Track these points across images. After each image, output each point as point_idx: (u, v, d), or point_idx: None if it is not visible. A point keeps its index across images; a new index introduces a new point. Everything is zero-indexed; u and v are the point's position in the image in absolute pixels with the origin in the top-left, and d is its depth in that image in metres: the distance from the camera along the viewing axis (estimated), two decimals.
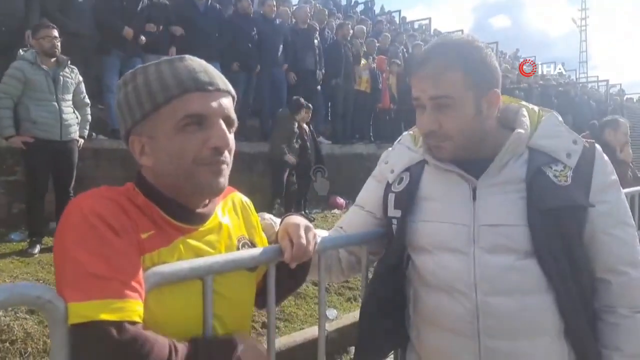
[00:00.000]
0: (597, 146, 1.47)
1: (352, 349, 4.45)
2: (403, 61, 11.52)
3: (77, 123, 5.32)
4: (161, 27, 7.29)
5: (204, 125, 1.15)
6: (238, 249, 1.30)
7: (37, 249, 5.01)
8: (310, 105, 7.90)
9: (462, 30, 21.47)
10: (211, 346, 1.13)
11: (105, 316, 0.96)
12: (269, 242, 1.43)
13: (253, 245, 1.36)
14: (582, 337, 1.39)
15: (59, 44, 5.16)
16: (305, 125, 7.80)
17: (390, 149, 1.68)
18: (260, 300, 1.40)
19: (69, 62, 5.27)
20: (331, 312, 4.88)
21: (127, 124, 1.20)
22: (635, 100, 27.14)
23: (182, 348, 1.06)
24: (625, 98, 24.24)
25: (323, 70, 9.42)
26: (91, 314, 0.96)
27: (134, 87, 1.18)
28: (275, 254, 1.30)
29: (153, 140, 1.17)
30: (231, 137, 1.19)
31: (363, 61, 10.26)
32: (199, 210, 1.23)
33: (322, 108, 9.60)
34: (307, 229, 1.31)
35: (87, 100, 5.51)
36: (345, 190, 9.16)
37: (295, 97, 7.85)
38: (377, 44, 11.58)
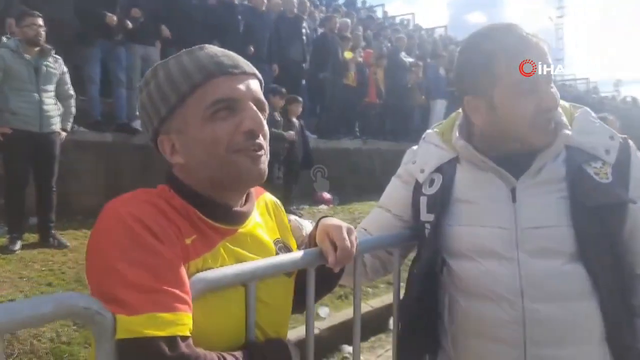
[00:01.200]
0: (630, 141, 1.43)
1: (344, 347, 4.48)
2: (388, 56, 11.47)
3: (59, 115, 5.17)
4: (144, 16, 7.08)
5: (234, 110, 1.09)
6: (276, 252, 1.23)
7: (18, 245, 4.87)
8: (299, 98, 7.80)
9: (445, 27, 21.66)
10: (265, 350, 1.07)
11: (155, 332, 0.88)
12: (297, 245, 1.37)
13: (288, 248, 1.30)
14: (623, 340, 1.35)
15: (43, 32, 5.01)
16: (295, 120, 7.70)
17: (414, 147, 1.61)
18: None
19: (54, 52, 5.11)
20: (323, 310, 4.83)
21: (154, 123, 1.13)
22: (609, 97, 27.67)
23: (231, 358, 0.99)
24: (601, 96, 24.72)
25: (307, 62, 9.32)
26: (140, 329, 0.88)
27: (156, 83, 1.12)
28: (315, 257, 1.24)
29: (183, 135, 1.10)
30: (265, 122, 1.13)
31: (350, 55, 10.20)
32: (238, 209, 1.16)
33: (308, 101, 9.51)
34: (349, 232, 1.25)
35: (72, 91, 5.35)
36: (331, 185, 9.13)
37: (272, 85, 7.60)
38: (362, 38, 11.54)
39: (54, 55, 5.13)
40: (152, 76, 1.14)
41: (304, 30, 9.15)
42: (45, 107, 4.98)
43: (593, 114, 1.46)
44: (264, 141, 1.12)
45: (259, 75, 1.18)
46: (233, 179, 1.11)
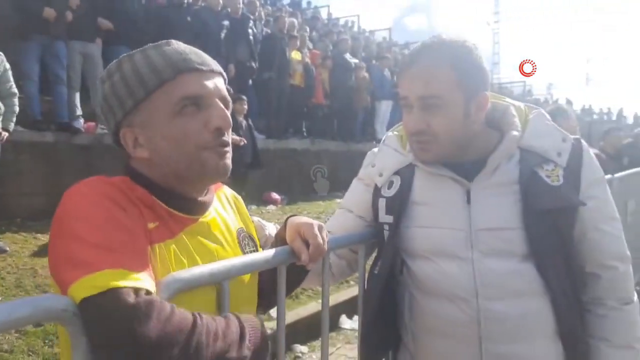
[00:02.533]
0: (583, 142, 1.47)
1: (296, 347, 4.50)
2: (333, 57, 11.55)
3: (0, 114, 4.92)
4: (83, 10, 6.78)
5: (201, 107, 1.10)
6: (239, 242, 1.25)
7: None
8: (243, 96, 7.74)
9: (389, 29, 21.98)
10: (246, 320, 1.06)
11: (118, 282, 0.87)
12: (261, 245, 1.38)
13: (252, 238, 1.31)
14: (574, 334, 1.41)
15: None
16: (242, 119, 7.63)
17: (374, 149, 1.63)
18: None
19: None
20: (273, 310, 4.82)
21: (116, 116, 1.13)
22: (542, 101, 28.80)
23: (208, 317, 0.97)
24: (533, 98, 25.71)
25: (256, 63, 9.26)
26: (104, 283, 0.86)
27: (121, 76, 1.11)
28: (287, 255, 1.24)
29: (148, 130, 1.10)
30: (230, 118, 1.14)
31: (298, 55, 10.20)
32: (198, 198, 1.17)
33: (255, 102, 9.44)
34: (320, 228, 1.26)
35: (15, 90, 5.15)
36: (280, 185, 9.12)
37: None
38: (308, 39, 11.56)
39: None
40: (117, 69, 1.13)
41: (250, 31, 9.07)
42: None
43: (547, 116, 1.49)
44: (229, 137, 1.14)
45: (224, 74, 1.20)
46: (199, 174, 1.12)
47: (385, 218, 1.50)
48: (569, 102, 25.02)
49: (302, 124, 10.97)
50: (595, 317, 1.45)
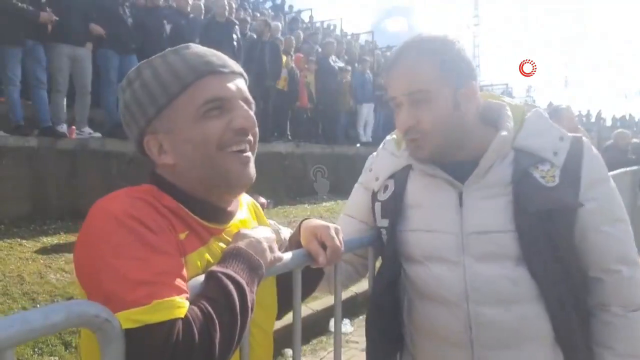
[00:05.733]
0: (585, 139, 1.43)
1: (287, 352, 4.47)
2: (318, 61, 11.57)
3: None
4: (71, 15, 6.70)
5: (225, 109, 1.10)
6: None
7: None
8: None
9: (371, 32, 22.05)
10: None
11: (154, 318, 0.87)
12: None
13: None
14: (573, 341, 1.36)
15: None
16: None
17: (374, 154, 1.63)
18: None
19: None
20: None
21: (139, 124, 1.11)
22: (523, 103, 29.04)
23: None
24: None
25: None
26: (141, 318, 0.87)
27: (142, 83, 1.10)
28: (303, 258, 1.24)
29: (172, 135, 1.09)
30: (255, 120, 1.14)
31: (283, 59, 10.19)
32: (225, 208, 1.17)
33: None
34: (337, 231, 1.26)
35: None
36: (266, 189, 9.08)
37: None
38: (293, 42, 11.56)
39: None
40: (137, 76, 1.12)
41: (235, 36, 9.04)
42: None
43: (545, 114, 1.46)
44: (253, 141, 1.13)
45: (245, 74, 1.19)
46: (223, 180, 1.11)
47: (381, 222, 1.50)
48: (551, 104, 25.34)
49: (287, 127, 10.97)
50: (600, 323, 1.40)
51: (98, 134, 6.99)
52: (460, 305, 1.35)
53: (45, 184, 6.14)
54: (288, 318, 4.25)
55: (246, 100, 1.13)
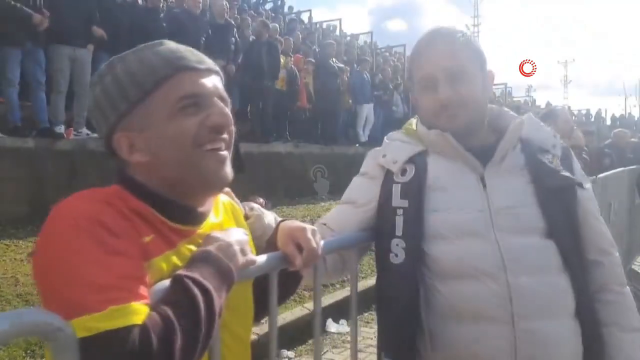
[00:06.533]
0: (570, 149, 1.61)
1: (283, 352, 4.45)
2: (318, 61, 11.56)
3: None
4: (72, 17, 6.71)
5: (201, 106, 1.07)
6: None
7: None
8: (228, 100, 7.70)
9: (370, 33, 22.04)
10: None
11: (109, 325, 0.84)
12: (256, 236, 1.34)
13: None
14: (591, 315, 1.45)
15: None
16: None
17: (377, 148, 1.63)
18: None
19: None
20: None
21: (109, 121, 1.08)
22: (522, 102, 29.07)
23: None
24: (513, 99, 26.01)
25: (234, 67, 9.22)
26: (95, 325, 0.84)
27: (114, 77, 1.07)
28: (279, 261, 1.21)
29: (145, 133, 1.06)
30: (231, 117, 1.11)
31: (282, 59, 10.19)
32: (195, 209, 1.13)
33: (239, 106, 9.40)
34: (313, 233, 1.23)
35: None
36: (264, 189, 9.06)
37: None
38: (292, 43, 11.57)
39: None
40: (108, 71, 1.09)
41: (233, 39, 9.03)
42: None
43: (535, 118, 1.62)
44: (228, 139, 1.11)
45: (221, 73, 1.17)
46: (199, 179, 1.08)
47: (399, 202, 1.47)
48: (549, 104, 25.35)
49: (286, 127, 10.95)
50: (604, 304, 1.49)
51: (96, 135, 6.99)
52: (498, 277, 1.36)
53: (43, 185, 6.13)
54: (283, 318, 4.22)
55: (222, 98, 1.11)
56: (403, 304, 1.44)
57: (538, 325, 1.36)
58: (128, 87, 1.05)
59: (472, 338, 1.38)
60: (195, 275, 0.95)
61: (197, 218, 1.13)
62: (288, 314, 4.84)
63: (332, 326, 4.96)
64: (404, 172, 1.51)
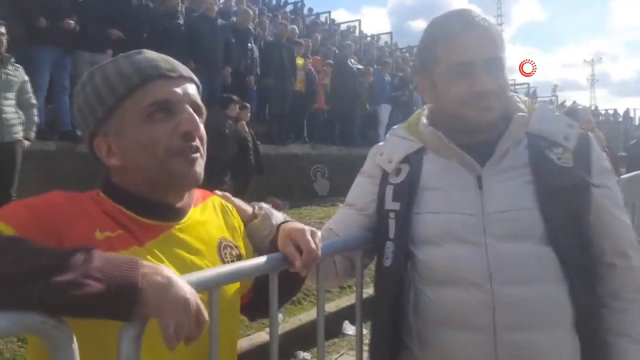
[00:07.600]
0: (590, 134, 1.47)
1: (299, 353, 4.46)
2: (336, 62, 11.56)
3: (21, 123, 5.13)
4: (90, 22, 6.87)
5: (171, 113, 1.11)
6: (219, 251, 1.23)
7: None
8: (246, 104, 7.78)
9: (390, 33, 21.99)
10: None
11: None
12: (262, 236, 1.35)
13: (236, 248, 1.28)
14: (592, 326, 1.35)
15: (5, 41, 4.92)
16: (246, 127, 7.70)
17: (379, 143, 1.62)
18: (251, 311, 1.37)
19: (13, 60, 5.08)
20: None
21: (89, 126, 1.15)
22: (548, 102, 28.64)
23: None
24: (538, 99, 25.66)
25: (258, 72, 9.30)
26: None
27: (93, 86, 1.14)
28: (278, 262, 1.22)
29: (120, 138, 1.12)
30: (201, 125, 1.15)
31: (301, 61, 10.22)
32: (171, 205, 1.18)
33: (255, 108, 9.47)
34: (313, 234, 1.24)
35: (34, 100, 5.34)
36: (282, 190, 9.10)
37: (225, 95, 7.72)
38: (311, 44, 11.60)
39: (15, 64, 5.09)
40: (89, 80, 1.15)
41: (249, 45, 9.12)
42: (4, 115, 4.97)
43: (550, 106, 1.52)
44: (200, 143, 1.15)
45: (197, 80, 1.21)
46: (170, 181, 1.14)
47: (391, 205, 1.45)
48: (575, 103, 24.98)
49: (304, 129, 10.97)
50: (614, 312, 1.39)
51: None
52: (483, 286, 1.31)
53: (65, 187, 6.14)
54: (299, 319, 4.22)
55: (194, 105, 1.15)
56: (388, 307, 1.43)
57: (522, 336, 1.30)
58: (104, 94, 1.12)
59: (456, 345, 1.35)
60: (96, 260, 0.86)
61: (174, 213, 1.17)
62: (304, 315, 4.84)
63: (348, 328, 4.96)
64: (398, 172, 1.48)
